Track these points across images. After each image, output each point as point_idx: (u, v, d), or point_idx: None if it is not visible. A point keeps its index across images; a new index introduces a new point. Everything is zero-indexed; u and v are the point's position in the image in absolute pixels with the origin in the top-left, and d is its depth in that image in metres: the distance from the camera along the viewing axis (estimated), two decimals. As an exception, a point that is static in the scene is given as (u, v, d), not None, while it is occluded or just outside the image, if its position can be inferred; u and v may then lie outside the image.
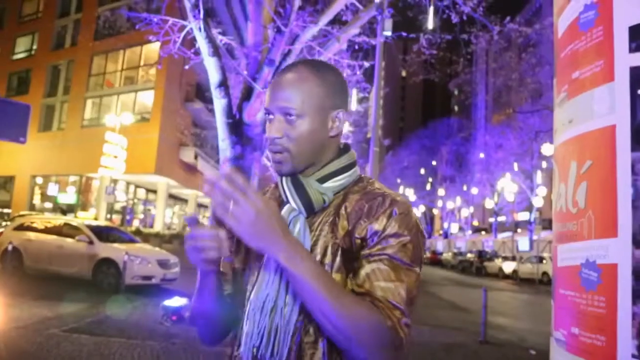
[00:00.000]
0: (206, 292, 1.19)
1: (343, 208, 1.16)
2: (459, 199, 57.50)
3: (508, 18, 11.09)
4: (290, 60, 8.04)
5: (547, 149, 28.16)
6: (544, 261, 28.28)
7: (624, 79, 1.07)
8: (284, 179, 1.20)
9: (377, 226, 1.11)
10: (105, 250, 11.43)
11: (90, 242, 11.57)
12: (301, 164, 1.18)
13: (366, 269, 1.08)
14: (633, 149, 1.05)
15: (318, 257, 1.13)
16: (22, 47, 39.11)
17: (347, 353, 1.06)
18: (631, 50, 1.07)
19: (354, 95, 16.62)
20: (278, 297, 1.12)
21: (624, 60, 1.08)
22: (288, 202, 1.18)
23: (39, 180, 35.24)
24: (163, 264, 11.58)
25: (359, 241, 1.12)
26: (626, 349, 1.02)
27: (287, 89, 1.15)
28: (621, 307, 1.04)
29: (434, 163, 64.61)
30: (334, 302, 1.00)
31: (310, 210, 1.18)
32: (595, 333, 1.09)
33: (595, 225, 1.12)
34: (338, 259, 1.12)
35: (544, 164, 37.05)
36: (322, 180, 1.19)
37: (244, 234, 0.98)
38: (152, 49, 29.22)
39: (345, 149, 1.26)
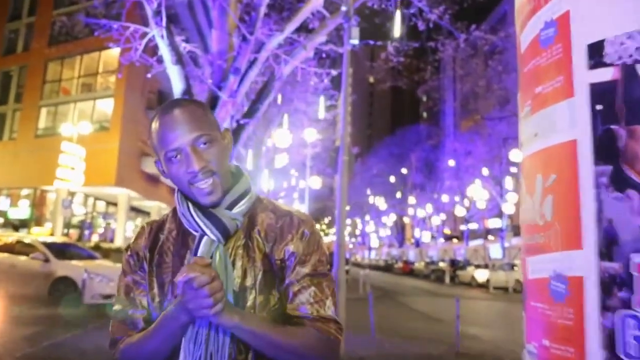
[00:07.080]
0: (170, 338, 1.18)
1: (256, 231, 1.26)
2: (429, 207, 57.34)
3: (474, 26, 11.30)
4: (256, 68, 7.97)
5: (515, 155, 28.44)
6: (516, 268, 27.83)
7: (584, 95, 1.10)
8: (193, 210, 1.23)
9: (293, 247, 1.25)
10: (63, 268, 10.91)
11: (46, 260, 11.01)
12: (224, 187, 1.24)
13: (295, 292, 1.23)
14: (595, 163, 1.07)
15: (238, 280, 1.21)
16: (-32, 51, 37.18)
17: None
18: (590, 67, 1.10)
19: (322, 103, 16.64)
20: (210, 327, 1.17)
21: (583, 76, 1.11)
22: (204, 234, 1.22)
23: (-13, 193, 33.50)
24: None
25: (278, 262, 1.25)
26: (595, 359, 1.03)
27: (189, 122, 1.19)
28: (588, 319, 1.05)
29: (403, 171, 64.64)
30: (284, 341, 1.15)
31: (227, 238, 1.24)
32: (565, 344, 1.11)
33: (562, 237, 1.14)
34: (259, 280, 1.23)
35: (513, 170, 37.40)
36: (230, 207, 1.25)
37: (219, 310, 1.07)
38: (112, 55, 28.19)
39: (239, 172, 1.33)
